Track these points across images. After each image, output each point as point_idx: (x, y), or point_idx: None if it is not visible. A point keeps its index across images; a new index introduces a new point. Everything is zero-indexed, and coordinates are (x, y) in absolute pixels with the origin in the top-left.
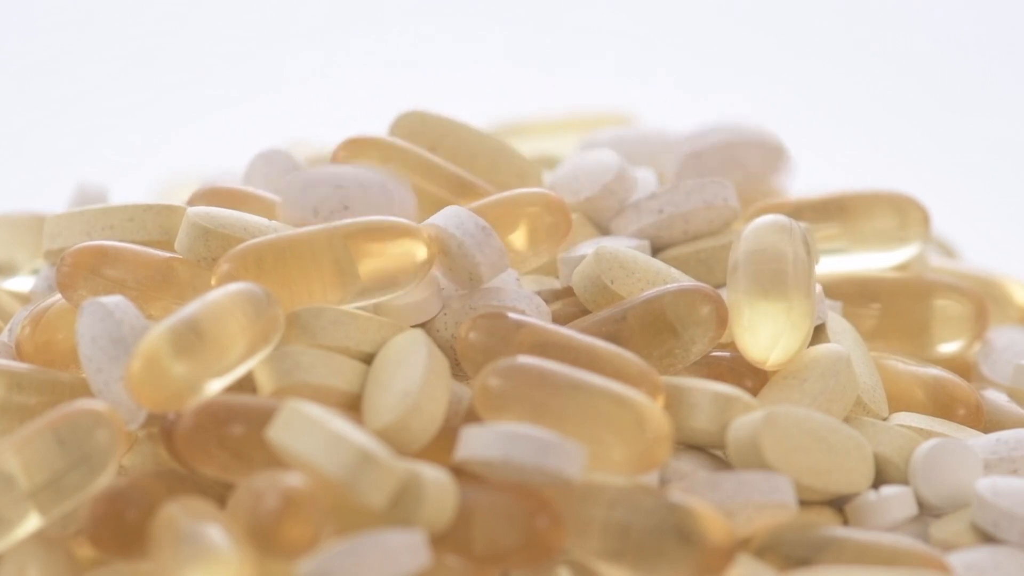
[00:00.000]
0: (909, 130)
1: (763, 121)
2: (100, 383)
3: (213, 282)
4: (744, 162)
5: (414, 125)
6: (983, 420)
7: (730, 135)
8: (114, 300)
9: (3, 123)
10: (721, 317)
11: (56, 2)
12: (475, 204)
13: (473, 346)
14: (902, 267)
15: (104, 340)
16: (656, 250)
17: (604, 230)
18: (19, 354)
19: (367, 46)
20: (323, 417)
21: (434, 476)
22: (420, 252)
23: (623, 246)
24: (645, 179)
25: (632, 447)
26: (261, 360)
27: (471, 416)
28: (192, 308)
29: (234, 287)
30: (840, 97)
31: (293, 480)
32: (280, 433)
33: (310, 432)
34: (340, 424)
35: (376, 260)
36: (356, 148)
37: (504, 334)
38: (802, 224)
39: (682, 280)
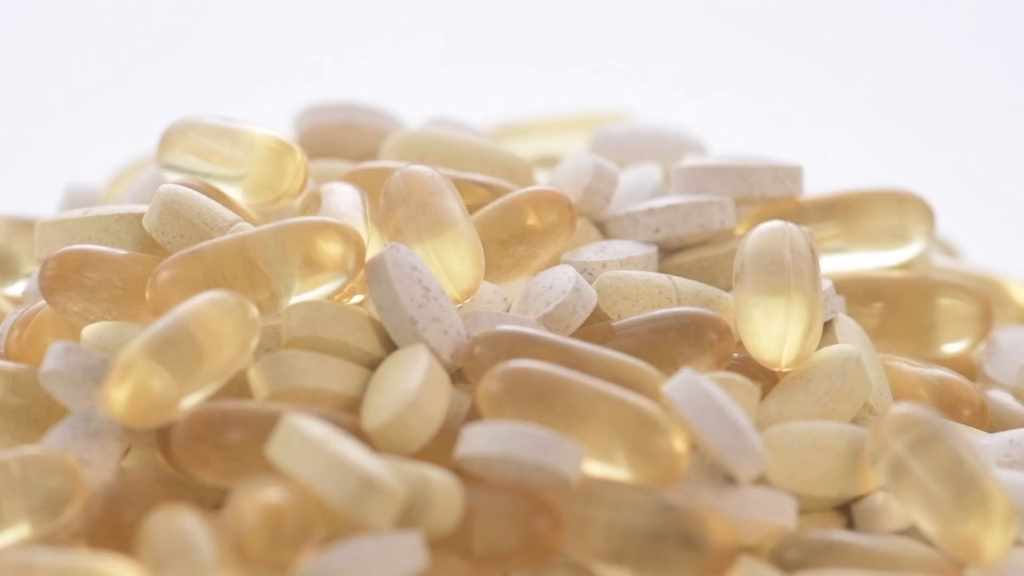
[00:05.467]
0: (909, 130)
1: (762, 121)
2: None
3: (148, 294)
4: (751, 180)
5: (403, 140)
6: (988, 421)
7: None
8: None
9: (5, 123)
10: (724, 349)
11: (57, 2)
12: (478, 214)
13: (478, 361)
14: (906, 266)
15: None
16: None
17: (603, 229)
18: (7, 356)
19: (368, 46)
20: (322, 437)
21: (440, 480)
22: (336, 248)
23: (629, 254)
24: (649, 175)
25: (649, 461)
26: (255, 365)
27: (472, 420)
28: (168, 319)
29: (209, 295)
30: (840, 97)
31: (272, 495)
32: (279, 452)
33: (309, 455)
34: (340, 446)
35: (303, 256)
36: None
37: (511, 347)
38: (805, 228)
39: (684, 291)
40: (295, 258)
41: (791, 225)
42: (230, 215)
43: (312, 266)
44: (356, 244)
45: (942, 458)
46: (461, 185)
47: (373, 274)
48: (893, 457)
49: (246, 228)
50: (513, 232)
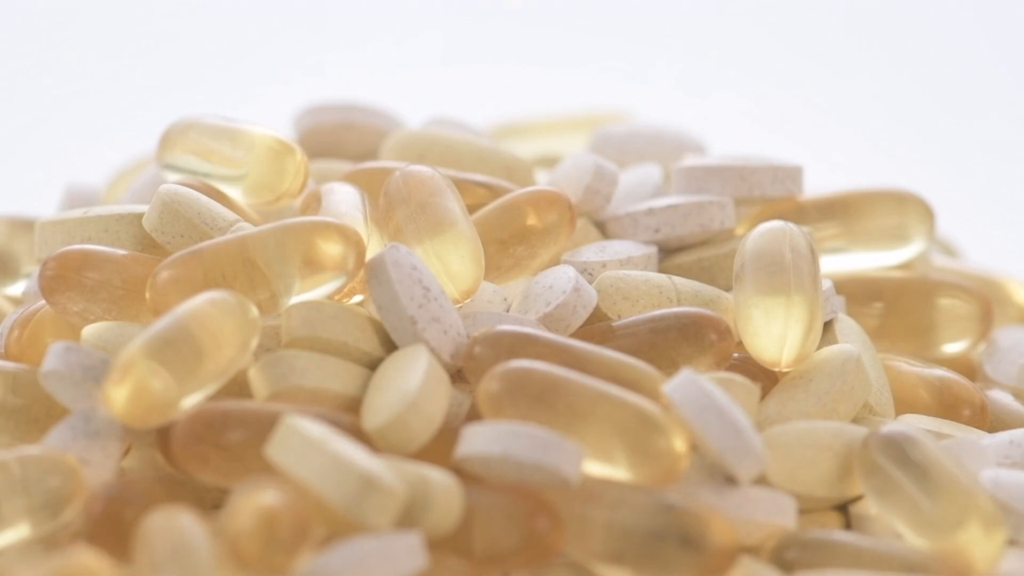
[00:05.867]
0: (909, 130)
1: (762, 121)
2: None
3: (148, 294)
4: (751, 180)
5: (403, 140)
6: (988, 421)
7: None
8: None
9: (5, 123)
10: (724, 349)
11: (57, 2)
12: (478, 214)
13: (478, 361)
14: (906, 266)
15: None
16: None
17: (603, 229)
18: (8, 356)
19: (368, 46)
20: (321, 437)
21: (440, 480)
22: (336, 248)
23: (629, 254)
24: (649, 175)
25: (649, 461)
26: (255, 365)
27: (472, 420)
28: (168, 319)
29: (209, 295)
30: (840, 97)
31: (267, 498)
32: (279, 453)
33: (309, 455)
34: (340, 445)
35: (303, 256)
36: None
37: (511, 347)
38: (805, 228)
39: (684, 291)
40: (295, 258)
41: (791, 225)
42: (230, 215)
43: (312, 266)
44: (356, 244)
45: (927, 475)
46: (461, 185)
47: (373, 274)
48: (880, 476)
49: (246, 228)
50: (513, 232)
